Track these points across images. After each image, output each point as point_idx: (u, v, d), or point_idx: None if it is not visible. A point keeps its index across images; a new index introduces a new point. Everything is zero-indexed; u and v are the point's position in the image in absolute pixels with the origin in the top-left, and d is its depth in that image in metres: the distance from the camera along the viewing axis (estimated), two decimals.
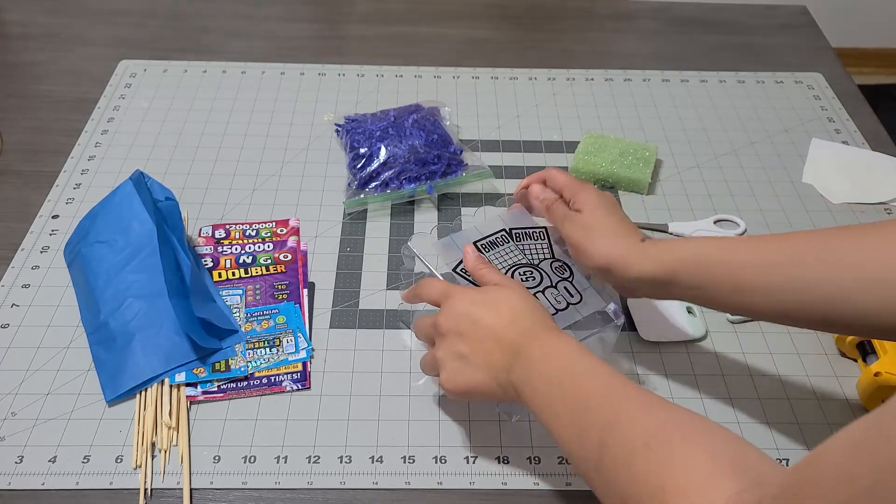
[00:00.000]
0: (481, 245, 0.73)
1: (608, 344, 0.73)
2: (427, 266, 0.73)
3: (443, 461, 0.69)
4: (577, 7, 1.34)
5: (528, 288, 0.70)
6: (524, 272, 0.72)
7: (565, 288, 0.71)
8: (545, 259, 0.73)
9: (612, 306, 0.71)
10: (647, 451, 0.50)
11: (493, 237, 0.74)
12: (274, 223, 0.89)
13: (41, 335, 0.77)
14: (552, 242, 0.75)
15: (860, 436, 0.36)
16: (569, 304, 0.70)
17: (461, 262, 0.71)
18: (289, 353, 0.76)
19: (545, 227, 0.76)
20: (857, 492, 0.34)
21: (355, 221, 0.91)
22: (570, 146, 1.02)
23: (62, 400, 0.72)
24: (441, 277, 0.71)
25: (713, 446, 0.49)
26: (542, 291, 0.71)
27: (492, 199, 0.94)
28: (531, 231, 0.75)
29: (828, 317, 0.59)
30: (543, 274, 0.72)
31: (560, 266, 0.73)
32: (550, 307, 0.70)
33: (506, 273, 0.71)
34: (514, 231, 0.75)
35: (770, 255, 0.62)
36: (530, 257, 0.73)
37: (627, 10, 1.35)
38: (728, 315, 0.81)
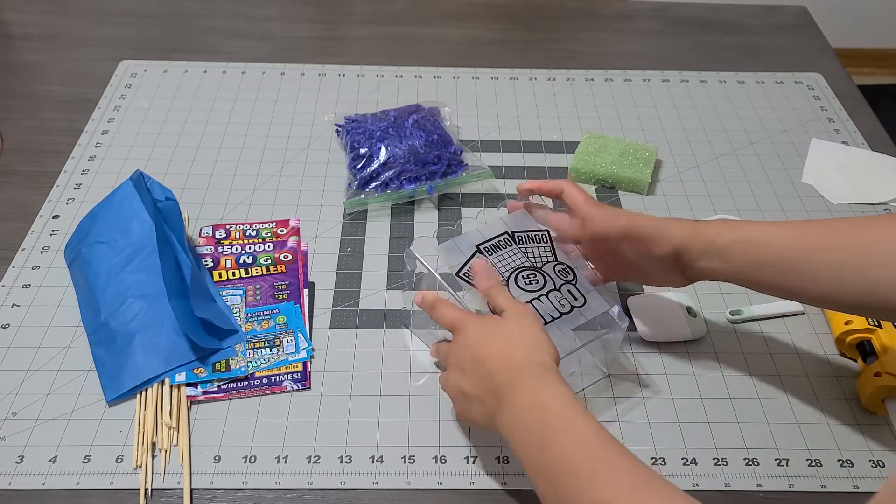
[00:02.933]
0: (484, 248, 0.73)
1: (613, 346, 0.73)
2: (429, 270, 0.73)
3: (443, 461, 0.69)
4: (577, 7, 1.34)
5: (531, 292, 0.70)
6: (527, 275, 0.71)
7: (569, 291, 0.71)
8: (548, 262, 0.73)
9: (615, 309, 0.71)
10: None
11: (496, 240, 0.74)
12: (274, 223, 0.90)
13: (41, 335, 0.78)
14: (555, 245, 0.74)
15: None
16: (573, 307, 0.70)
17: (463, 265, 0.71)
18: (289, 353, 0.76)
19: (548, 230, 0.75)
20: None
21: (355, 221, 0.91)
22: (570, 146, 1.02)
23: (62, 400, 0.72)
24: (440, 277, 0.71)
25: None
26: (546, 294, 0.70)
27: (492, 199, 0.94)
28: (534, 234, 0.75)
29: (865, 302, 0.61)
30: (547, 277, 0.71)
31: (563, 269, 0.73)
32: (554, 310, 0.69)
33: (509, 276, 0.71)
34: (516, 234, 0.75)
35: (813, 240, 0.64)
36: (533, 260, 0.73)
37: (627, 10, 1.35)
38: (728, 315, 0.81)
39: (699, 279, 0.70)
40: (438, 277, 0.72)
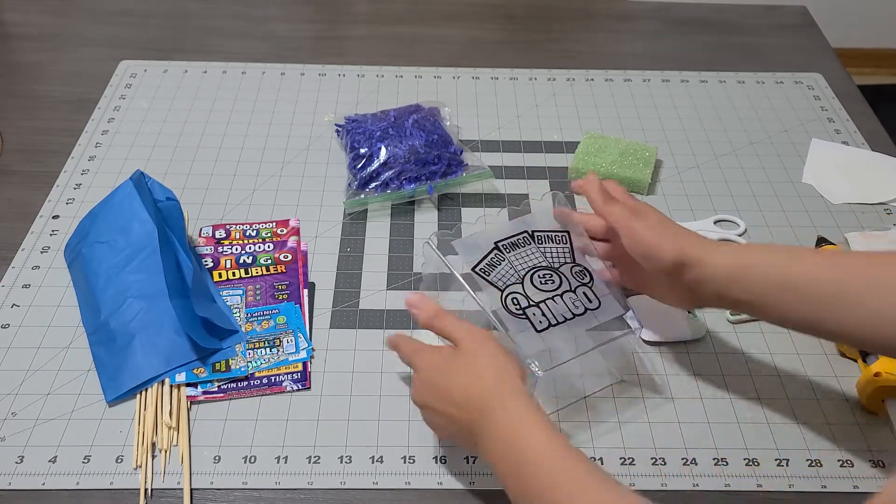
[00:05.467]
0: (502, 245, 0.73)
1: (627, 351, 0.73)
2: (448, 266, 0.72)
3: (443, 461, 0.69)
4: (577, 7, 1.34)
5: (546, 291, 0.70)
6: (543, 275, 0.71)
7: (584, 293, 0.71)
8: (566, 263, 0.73)
9: (630, 313, 0.71)
10: None
11: (515, 238, 0.74)
12: (274, 223, 0.90)
13: (41, 335, 0.78)
14: (573, 248, 0.74)
15: None
16: (587, 309, 0.70)
17: (481, 261, 0.71)
18: (289, 354, 0.76)
19: (567, 232, 0.75)
20: None
21: (355, 222, 0.91)
22: (570, 146, 1.02)
23: (62, 400, 0.72)
24: (461, 279, 0.71)
25: None
26: (561, 295, 0.70)
27: (492, 199, 0.94)
28: (553, 234, 0.75)
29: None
30: (563, 278, 0.72)
31: (580, 271, 0.72)
32: (567, 311, 0.69)
33: (525, 275, 0.71)
34: (536, 233, 0.75)
35: (846, 273, 0.61)
36: (551, 260, 0.73)
37: (627, 10, 1.35)
38: (728, 315, 0.81)
39: (711, 305, 0.68)
40: (456, 273, 0.72)
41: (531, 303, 0.69)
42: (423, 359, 0.64)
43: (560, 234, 0.75)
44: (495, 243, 0.73)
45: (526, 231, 0.75)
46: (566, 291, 0.71)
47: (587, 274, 0.72)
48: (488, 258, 0.72)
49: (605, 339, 0.70)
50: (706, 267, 0.65)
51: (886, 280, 0.59)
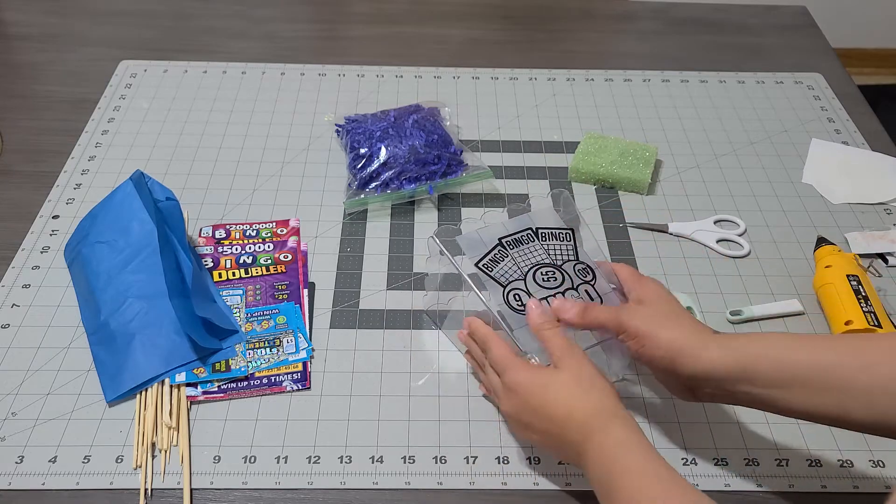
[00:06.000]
0: (506, 242, 0.73)
1: (626, 349, 0.72)
2: (453, 263, 0.72)
3: (443, 461, 0.69)
4: (577, 7, 1.34)
5: (548, 288, 0.70)
6: (546, 272, 0.72)
7: (586, 291, 0.71)
8: (569, 260, 0.73)
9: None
10: None
11: (519, 235, 0.74)
12: (274, 223, 0.90)
13: (41, 335, 0.78)
14: (577, 245, 0.74)
15: None
16: None
17: (484, 257, 0.71)
18: (289, 354, 0.76)
19: (572, 230, 0.75)
20: None
21: (355, 222, 0.91)
22: (570, 146, 1.02)
23: (62, 400, 0.72)
24: (466, 276, 0.71)
25: None
26: (563, 293, 0.70)
27: (492, 199, 0.94)
28: (558, 232, 0.75)
29: None
30: (565, 275, 0.72)
31: (584, 269, 0.72)
32: None
33: (528, 271, 0.71)
34: (540, 230, 0.75)
35: (870, 356, 0.57)
36: (554, 257, 0.73)
37: (627, 10, 1.35)
38: (728, 315, 0.81)
39: (712, 401, 0.65)
40: (461, 270, 0.72)
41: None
42: (517, 373, 0.64)
43: (564, 231, 0.75)
44: (500, 240, 0.73)
45: (530, 228, 0.74)
46: (568, 289, 0.71)
47: (590, 272, 0.72)
48: (492, 254, 0.72)
49: (608, 337, 0.69)
50: (700, 364, 0.61)
51: (873, 357, 0.57)
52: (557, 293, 0.70)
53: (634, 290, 0.68)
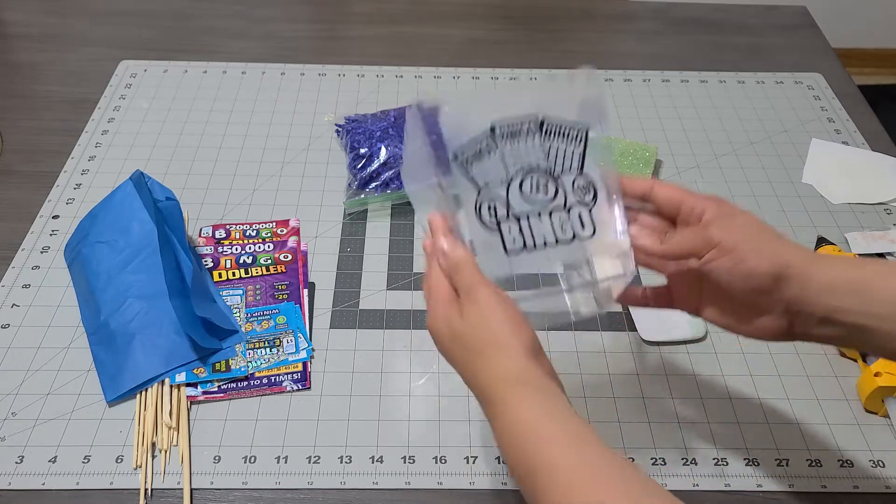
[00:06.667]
0: (500, 130, 0.56)
1: (608, 295, 0.61)
2: (424, 145, 0.56)
3: (443, 461, 0.69)
4: (577, 7, 1.34)
5: (531, 203, 0.56)
6: (537, 180, 0.56)
7: (579, 215, 0.57)
8: (569, 171, 0.57)
9: (626, 244, 0.57)
10: None
11: (518, 124, 0.56)
12: (274, 223, 0.90)
13: (41, 335, 0.78)
14: (586, 153, 0.57)
15: None
16: (576, 236, 0.57)
17: (467, 146, 0.55)
18: (289, 354, 0.76)
19: (587, 129, 0.57)
20: None
21: (355, 222, 0.91)
22: None
23: (62, 400, 0.72)
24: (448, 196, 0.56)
25: None
26: (550, 213, 0.56)
27: None
28: (568, 129, 0.57)
29: None
30: (560, 190, 0.57)
31: (585, 186, 0.57)
32: (552, 234, 0.56)
33: (514, 175, 0.56)
34: (546, 123, 0.57)
35: None
36: (552, 164, 0.57)
37: (627, 10, 1.35)
38: None
39: (811, 335, 0.56)
40: (460, 215, 0.56)
41: (510, 214, 0.56)
42: (436, 302, 0.54)
43: (578, 129, 0.57)
44: (491, 125, 0.56)
45: (534, 116, 0.57)
46: (556, 210, 0.56)
47: (592, 190, 0.57)
48: (477, 145, 0.55)
49: (586, 283, 0.58)
50: (812, 281, 0.52)
51: None
52: (542, 212, 0.56)
53: (699, 205, 0.57)
